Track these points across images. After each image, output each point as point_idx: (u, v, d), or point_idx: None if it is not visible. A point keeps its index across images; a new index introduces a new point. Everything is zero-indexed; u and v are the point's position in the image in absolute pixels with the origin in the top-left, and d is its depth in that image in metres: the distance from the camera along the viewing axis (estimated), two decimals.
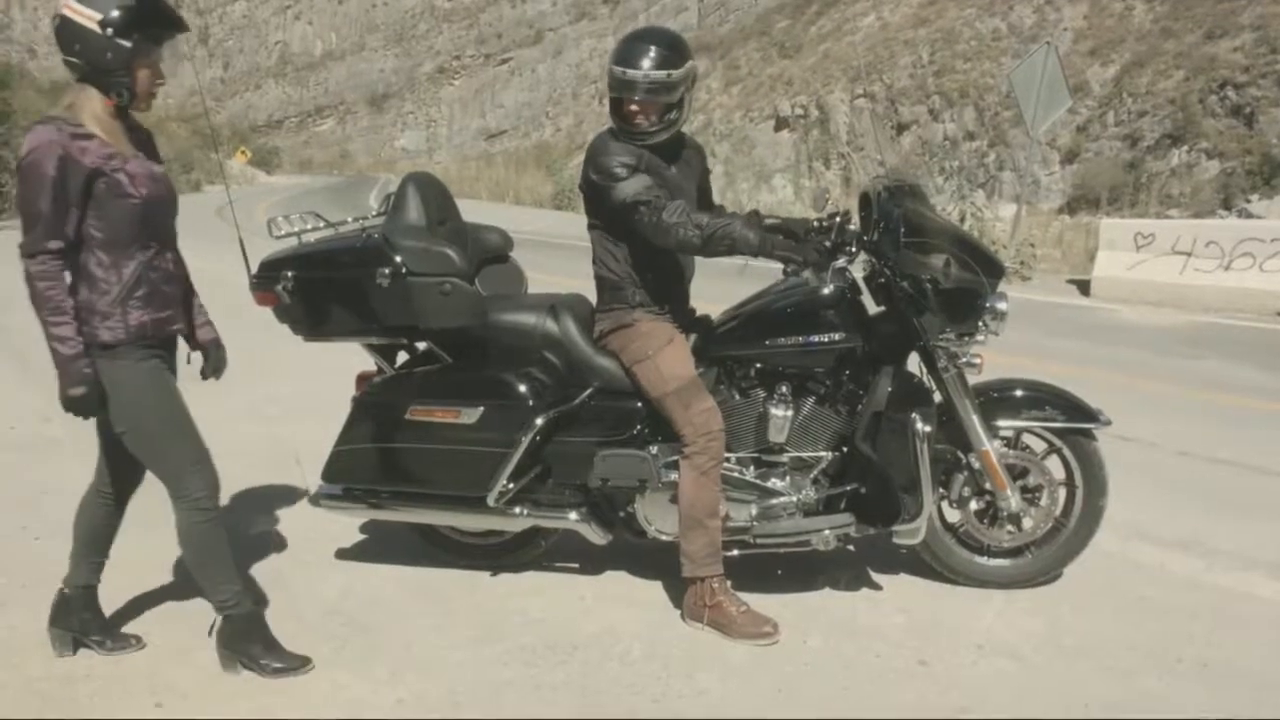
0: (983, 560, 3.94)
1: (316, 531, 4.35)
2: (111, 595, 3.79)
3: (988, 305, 3.60)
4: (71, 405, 3.04)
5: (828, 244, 3.61)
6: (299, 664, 3.29)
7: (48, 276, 2.94)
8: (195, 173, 44.62)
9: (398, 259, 3.57)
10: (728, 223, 3.48)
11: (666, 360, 3.57)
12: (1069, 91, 14.51)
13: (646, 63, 3.52)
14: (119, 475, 3.38)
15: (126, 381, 3.07)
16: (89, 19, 2.92)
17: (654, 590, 3.88)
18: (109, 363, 3.04)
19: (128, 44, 2.94)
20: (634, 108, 3.57)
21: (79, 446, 5.61)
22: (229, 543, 3.34)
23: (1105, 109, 23.13)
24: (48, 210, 2.88)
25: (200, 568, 3.28)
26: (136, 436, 3.14)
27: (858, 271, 3.81)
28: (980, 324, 3.63)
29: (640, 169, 3.55)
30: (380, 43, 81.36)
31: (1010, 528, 3.88)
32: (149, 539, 4.37)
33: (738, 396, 3.73)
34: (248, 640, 3.28)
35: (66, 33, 2.95)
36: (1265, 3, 21.24)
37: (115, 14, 2.91)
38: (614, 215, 3.58)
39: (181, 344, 3.40)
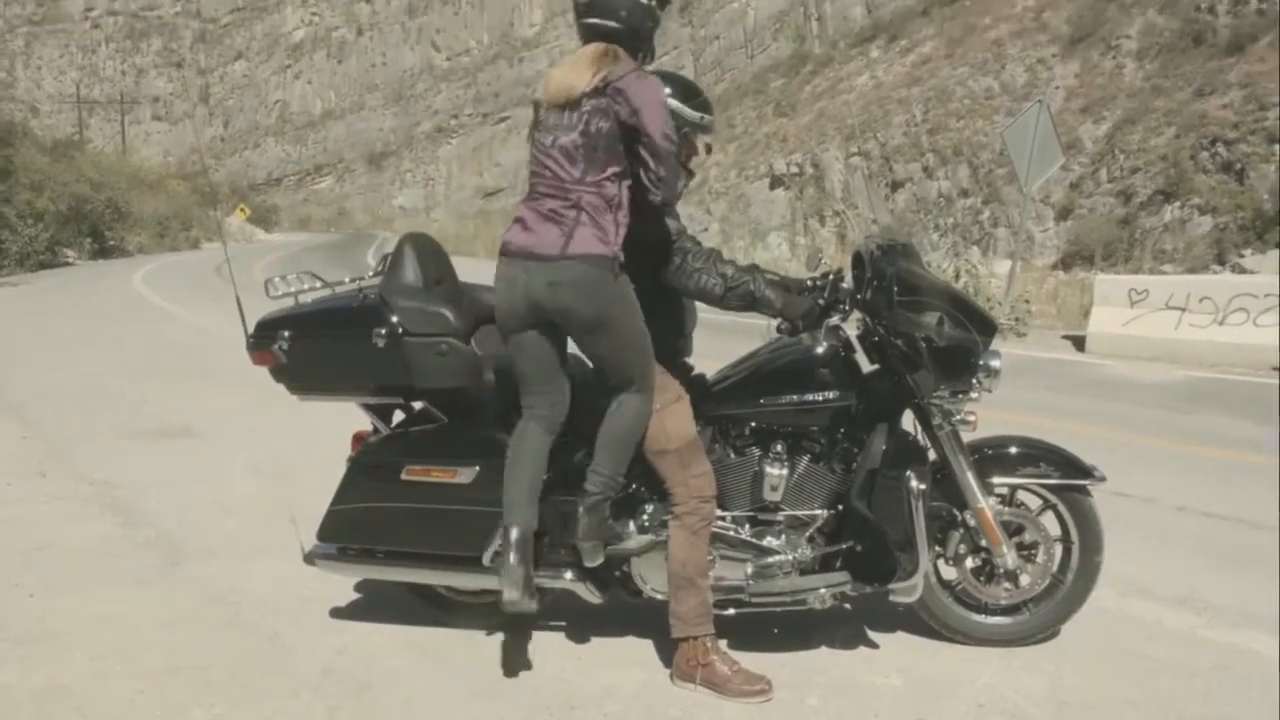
0: (980, 618, 3.93)
1: (312, 590, 4.34)
2: (105, 652, 3.79)
3: (981, 363, 3.63)
4: None
5: (821, 302, 3.64)
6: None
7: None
8: (194, 230, 44.96)
9: (394, 319, 3.59)
10: (750, 279, 3.50)
11: (672, 417, 3.55)
12: (1061, 149, 14.62)
13: (711, 107, 3.66)
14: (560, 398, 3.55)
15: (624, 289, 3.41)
16: None
17: (650, 650, 3.86)
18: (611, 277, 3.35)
19: (659, 14, 3.42)
20: (697, 154, 3.67)
21: (74, 503, 5.63)
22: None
23: (1098, 166, 23.31)
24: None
25: (619, 441, 3.48)
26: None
27: (851, 329, 3.83)
28: (974, 381, 3.65)
29: (670, 212, 3.59)
30: (379, 102, 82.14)
31: (1007, 585, 3.88)
32: (146, 594, 4.37)
33: (733, 455, 3.74)
34: (604, 523, 3.52)
35: None
36: (1252, 61, 21.50)
37: None
38: (637, 257, 3.52)
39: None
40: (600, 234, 3.30)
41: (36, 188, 29.93)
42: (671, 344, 3.74)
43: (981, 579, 3.88)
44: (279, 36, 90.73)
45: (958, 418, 3.71)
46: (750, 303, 3.51)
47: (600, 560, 3.59)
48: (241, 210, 52.99)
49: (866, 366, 3.82)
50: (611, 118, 3.26)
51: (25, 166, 30.34)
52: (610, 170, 3.31)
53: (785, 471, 3.66)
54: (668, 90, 3.52)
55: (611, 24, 3.34)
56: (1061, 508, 3.85)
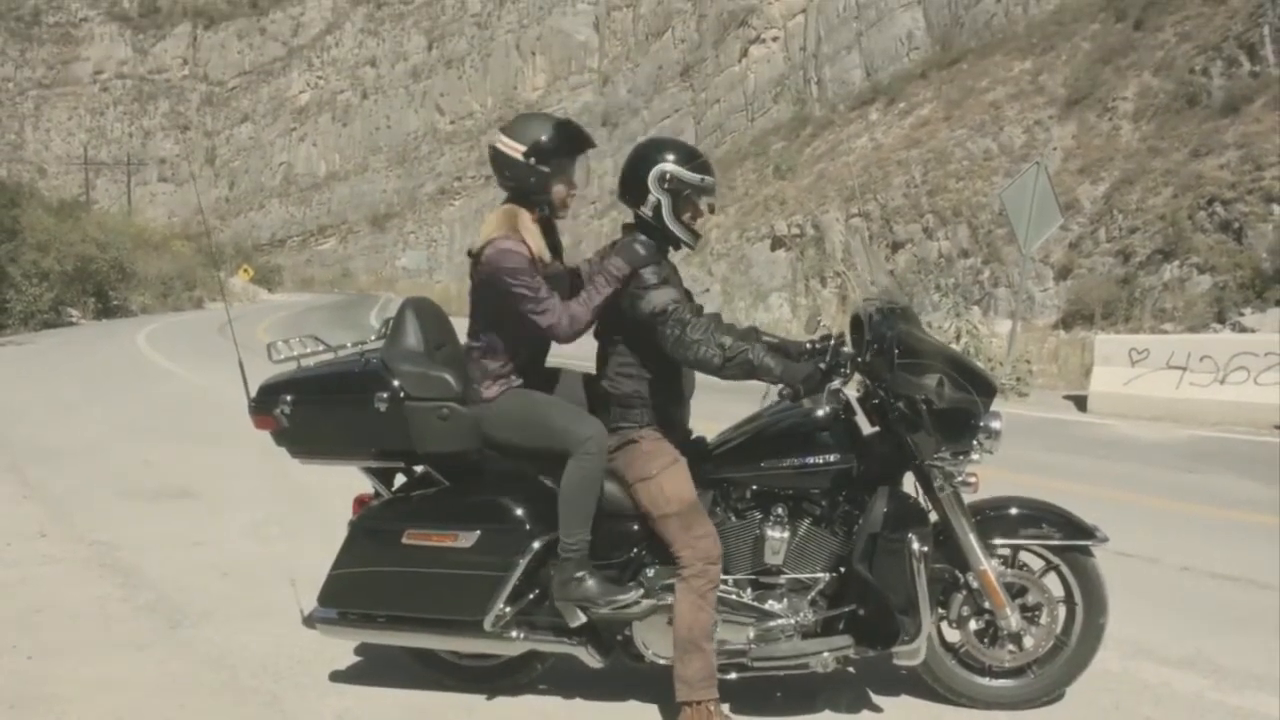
0: (984, 680, 3.90)
1: (311, 653, 4.31)
2: (103, 716, 3.76)
3: (982, 424, 3.64)
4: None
5: (822, 365, 3.65)
6: (630, 597, 3.60)
7: (557, 308, 3.58)
8: (198, 290, 45.16)
9: (396, 384, 3.62)
10: (749, 348, 3.51)
11: (670, 481, 3.57)
12: (1060, 209, 14.71)
13: (713, 169, 3.74)
14: None
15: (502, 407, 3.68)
16: (515, 150, 3.61)
17: (651, 713, 3.83)
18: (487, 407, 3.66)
19: (545, 169, 3.61)
20: (703, 215, 3.73)
21: (73, 564, 5.61)
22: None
23: (1097, 226, 23.43)
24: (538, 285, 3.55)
25: (566, 503, 3.58)
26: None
27: (852, 392, 3.84)
28: (975, 443, 3.66)
29: (668, 280, 3.62)
30: (383, 164, 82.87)
31: (1011, 647, 3.85)
32: (145, 657, 4.35)
33: (734, 519, 3.73)
34: (575, 582, 3.57)
35: (498, 162, 3.68)
36: (1247, 121, 21.70)
37: (535, 145, 3.59)
38: (637, 325, 3.60)
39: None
40: (478, 376, 3.72)
41: (42, 247, 30.15)
42: (670, 412, 3.76)
43: (985, 641, 3.86)
44: (285, 100, 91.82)
45: (959, 479, 3.71)
46: (749, 371, 3.52)
47: (579, 621, 3.62)
48: (245, 271, 53.29)
49: (867, 429, 3.83)
50: (487, 283, 3.64)
51: (32, 226, 30.59)
52: (484, 336, 3.74)
53: (787, 535, 3.65)
54: (670, 156, 3.63)
55: (506, 183, 3.70)
56: (1064, 569, 3.84)
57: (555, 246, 3.84)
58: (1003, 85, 31.58)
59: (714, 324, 3.62)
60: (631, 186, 3.71)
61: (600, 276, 3.61)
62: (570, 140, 3.69)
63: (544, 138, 3.60)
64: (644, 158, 3.71)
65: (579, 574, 3.57)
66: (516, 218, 3.67)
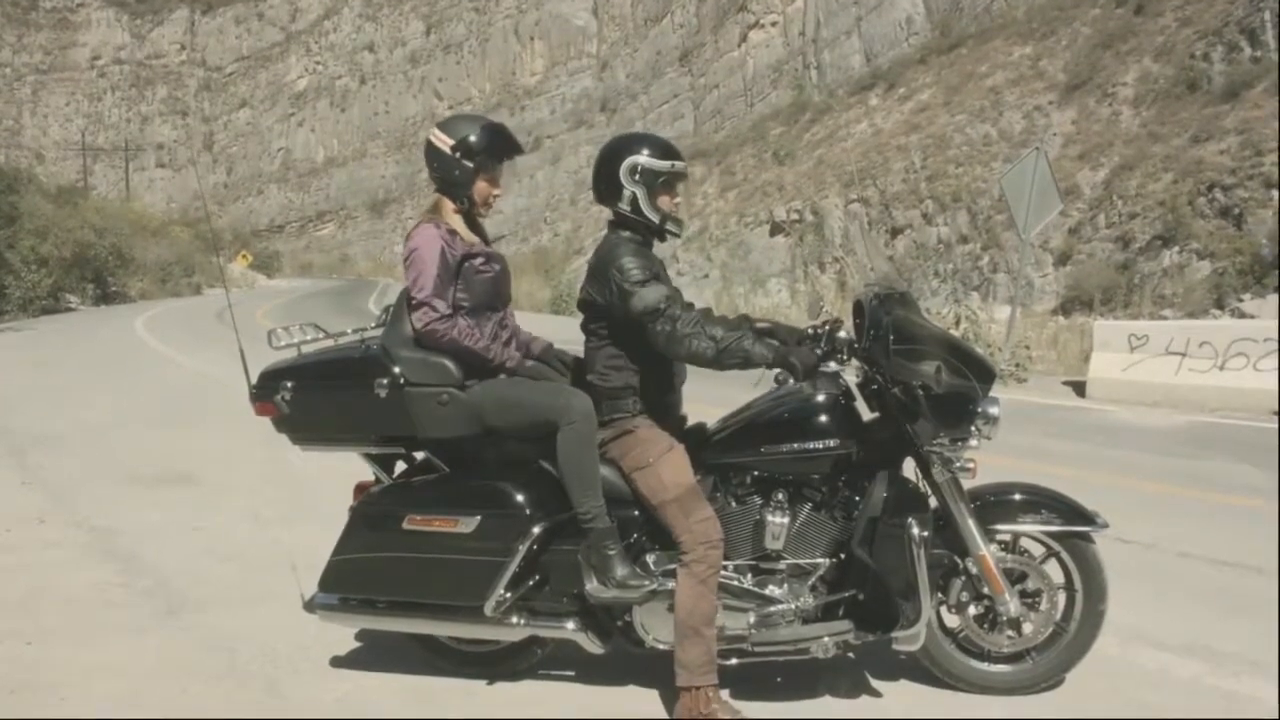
0: (983, 666, 3.90)
1: (312, 639, 4.31)
2: (102, 701, 3.76)
3: (980, 410, 3.64)
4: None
5: (819, 351, 3.65)
6: (640, 583, 3.59)
7: (441, 307, 3.67)
8: (197, 276, 45.12)
9: (396, 370, 3.62)
10: (740, 336, 3.53)
11: (667, 467, 3.58)
12: (1060, 195, 14.67)
13: (680, 154, 3.81)
14: None
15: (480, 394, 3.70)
16: (444, 143, 3.77)
17: (651, 699, 3.84)
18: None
19: (470, 164, 3.75)
20: (678, 199, 3.78)
21: (73, 550, 5.62)
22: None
23: (1096, 211, 23.39)
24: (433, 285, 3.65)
25: (567, 474, 3.61)
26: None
27: (852, 378, 3.84)
28: (973, 429, 3.66)
29: (658, 276, 3.62)
30: (381, 149, 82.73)
31: (1010, 632, 3.85)
32: (144, 643, 4.35)
33: (734, 504, 3.74)
34: (599, 551, 3.60)
35: (429, 153, 3.82)
36: (1247, 107, 21.65)
37: (462, 141, 3.74)
38: (627, 322, 3.61)
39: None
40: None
41: (40, 233, 30.13)
42: (662, 400, 3.76)
43: (984, 626, 3.86)
44: (283, 85, 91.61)
45: (957, 465, 3.71)
46: (745, 360, 3.52)
47: (592, 585, 3.63)
48: (244, 256, 53.26)
49: (867, 414, 3.83)
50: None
51: (30, 213, 30.54)
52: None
53: (787, 520, 3.65)
54: (638, 148, 3.72)
55: (431, 175, 3.86)
56: (1064, 555, 3.84)
57: (481, 234, 3.99)
58: (1002, 70, 31.52)
59: (704, 318, 3.62)
60: (605, 184, 3.76)
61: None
62: (497, 143, 3.83)
63: (472, 137, 3.75)
64: (614, 154, 3.76)
65: (612, 550, 3.59)
66: (440, 206, 3.85)
